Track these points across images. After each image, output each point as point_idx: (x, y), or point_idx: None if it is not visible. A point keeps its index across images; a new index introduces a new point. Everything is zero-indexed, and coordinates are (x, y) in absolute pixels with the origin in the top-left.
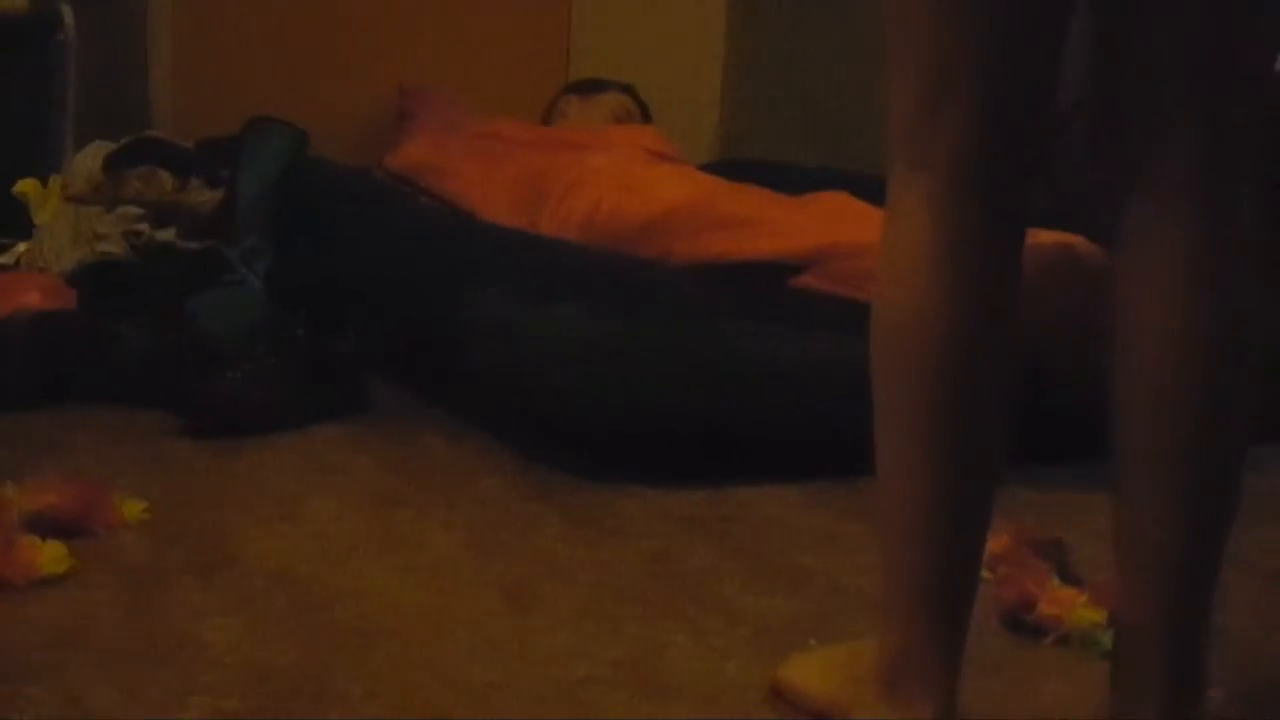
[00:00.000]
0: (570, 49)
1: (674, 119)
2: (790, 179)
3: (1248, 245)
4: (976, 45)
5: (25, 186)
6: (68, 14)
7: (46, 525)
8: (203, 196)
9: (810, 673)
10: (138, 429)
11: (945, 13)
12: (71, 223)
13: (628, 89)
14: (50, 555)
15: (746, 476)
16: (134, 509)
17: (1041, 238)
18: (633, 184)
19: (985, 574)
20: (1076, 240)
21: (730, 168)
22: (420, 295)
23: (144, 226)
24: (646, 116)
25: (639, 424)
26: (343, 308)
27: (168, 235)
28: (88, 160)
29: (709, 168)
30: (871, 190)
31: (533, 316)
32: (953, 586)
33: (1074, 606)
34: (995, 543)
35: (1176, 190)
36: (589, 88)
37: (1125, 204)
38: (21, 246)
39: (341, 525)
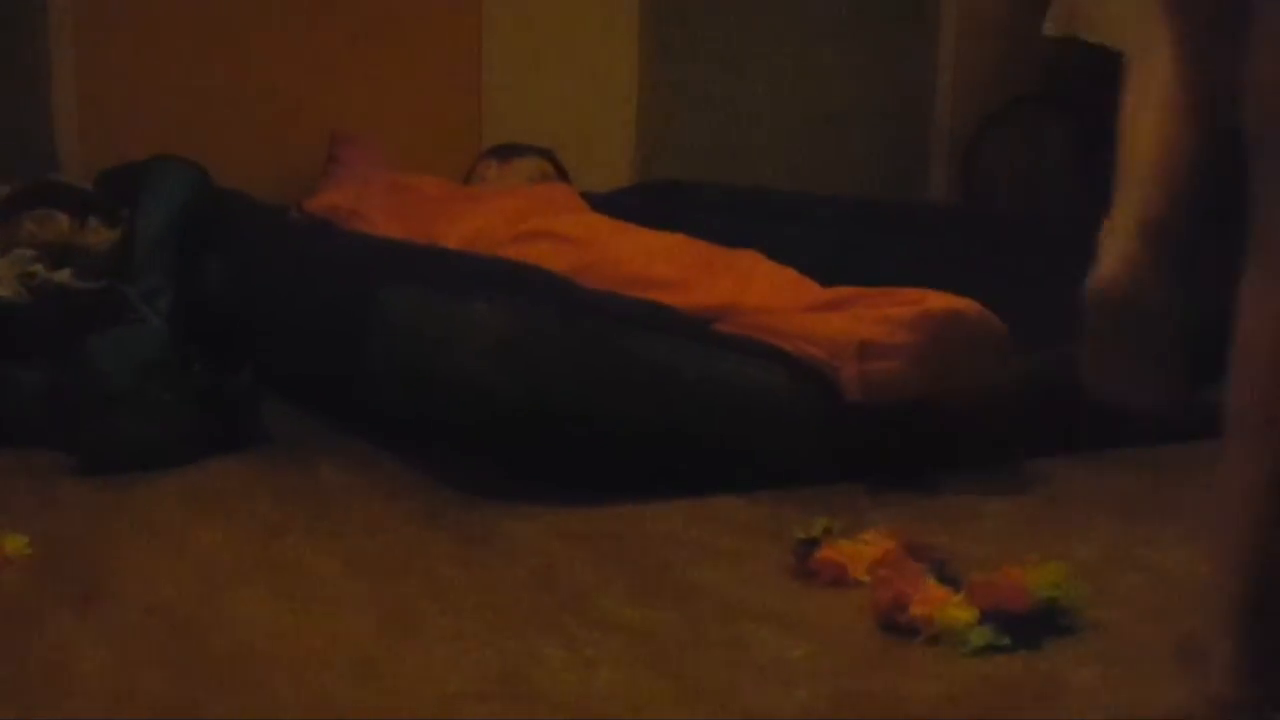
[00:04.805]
0: (483, 84)
1: (590, 147)
2: (700, 198)
3: None
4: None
5: None
6: None
7: None
8: (100, 236)
9: None
10: (31, 469)
11: None
12: None
13: (546, 153)
14: None
15: (639, 492)
16: (16, 544)
17: (931, 303)
18: (559, 231)
19: (864, 578)
20: (964, 305)
21: (645, 191)
22: (334, 304)
23: (37, 268)
24: (564, 178)
25: (542, 420)
26: (247, 339)
27: (63, 276)
28: None
29: (625, 192)
30: (772, 207)
31: (446, 314)
32: None
33: (945, 606)
34: (878, 549)
35: None
36: (508, 152)
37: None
38: None
39: (225, 556)
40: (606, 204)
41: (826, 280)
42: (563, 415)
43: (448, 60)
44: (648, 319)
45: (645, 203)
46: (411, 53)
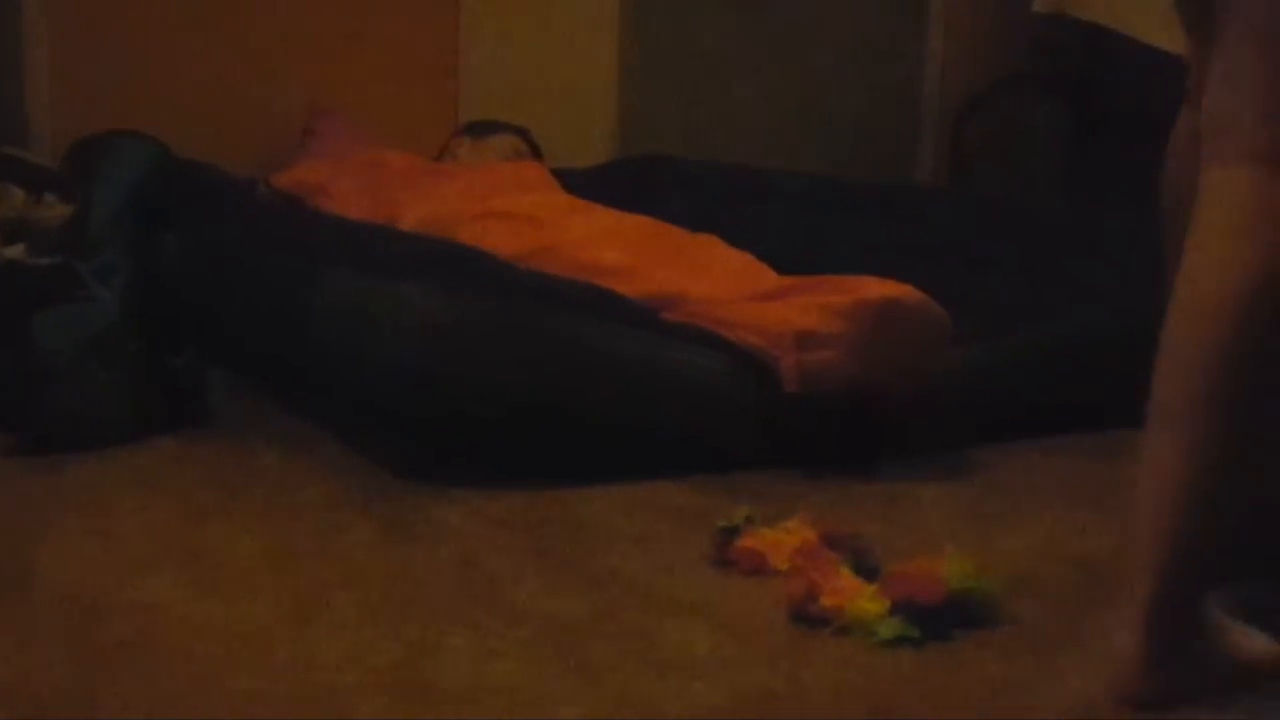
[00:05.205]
0: (460, 58)
1: (570, 124)
2: (680, 174)
3: None
4: None
5: None
6: None
7: None
8: (55, 212)
9: None
10: None
11: None
12: None
13: (521, 131)
14: None
15: (572, 478)
16: None
17: (867, 291)
18: (508, 212)
19: (784, 567)
20: (903, 292)
21: (624, 167)
22: (281, 283)
23: None
24: (538, 157)
25: (474, 405)
26: (201, 317)
27: (15, 252)
28: None
29: (604, 168)
30: (752, 185)
31: (378, 295)
32: None
33: (856, 597)
34: (797, 537)
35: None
36: (482, 129)
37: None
38: None
39: (145, 539)
40: (583, 180)
41: (802, 259)
42: (495, 400)
43: (425, 35)
44: (588, 304)
45: (623, 179)
46: (388, 27)
